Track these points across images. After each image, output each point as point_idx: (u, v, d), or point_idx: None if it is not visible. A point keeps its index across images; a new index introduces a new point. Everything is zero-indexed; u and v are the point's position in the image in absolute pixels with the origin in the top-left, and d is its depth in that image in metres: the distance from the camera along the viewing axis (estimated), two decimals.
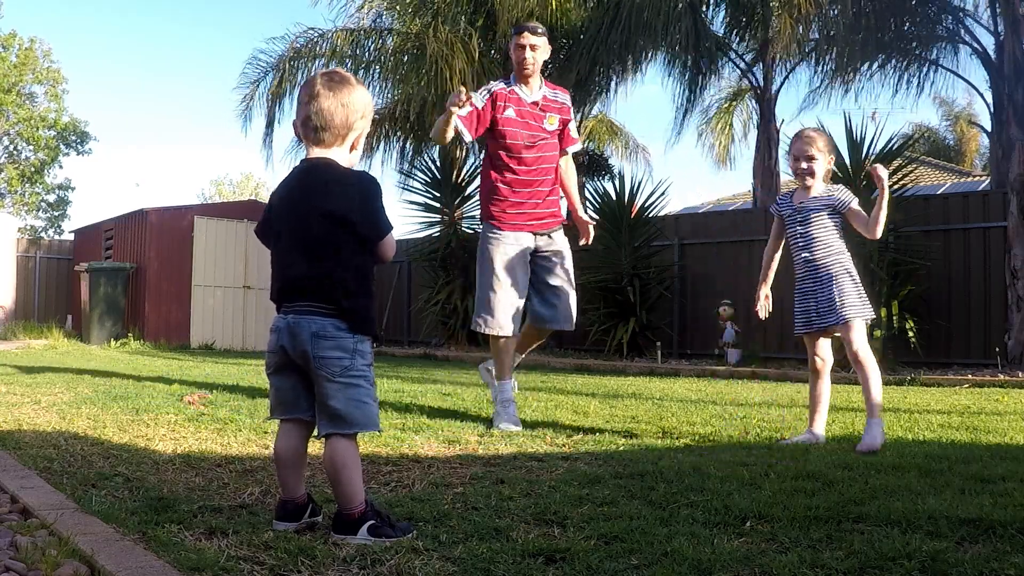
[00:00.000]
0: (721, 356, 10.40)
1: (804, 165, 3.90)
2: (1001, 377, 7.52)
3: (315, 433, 2.24)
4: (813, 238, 3.86)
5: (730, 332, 10.35)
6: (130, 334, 13.62)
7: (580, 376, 8.27)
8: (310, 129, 2.24)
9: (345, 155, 2.30)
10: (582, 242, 4.67)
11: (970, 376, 7.69)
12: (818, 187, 3.93)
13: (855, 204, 3.89)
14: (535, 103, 4.50)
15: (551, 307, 4.56)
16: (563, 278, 4.55)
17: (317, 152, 2.26)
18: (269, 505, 2.42)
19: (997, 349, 8.55)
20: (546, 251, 4.54)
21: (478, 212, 14.71)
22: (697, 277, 11.51)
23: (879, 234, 3.79)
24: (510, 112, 4.44)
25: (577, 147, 4.75)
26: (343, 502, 2.14)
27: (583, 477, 2.85)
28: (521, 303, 4.47)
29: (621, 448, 3.57)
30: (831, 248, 3.84)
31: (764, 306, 4.17)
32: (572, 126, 4.68)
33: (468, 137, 4.44)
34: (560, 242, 4.58)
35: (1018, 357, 8.41)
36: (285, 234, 2.25)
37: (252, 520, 2.25)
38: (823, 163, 3.91)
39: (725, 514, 2.32)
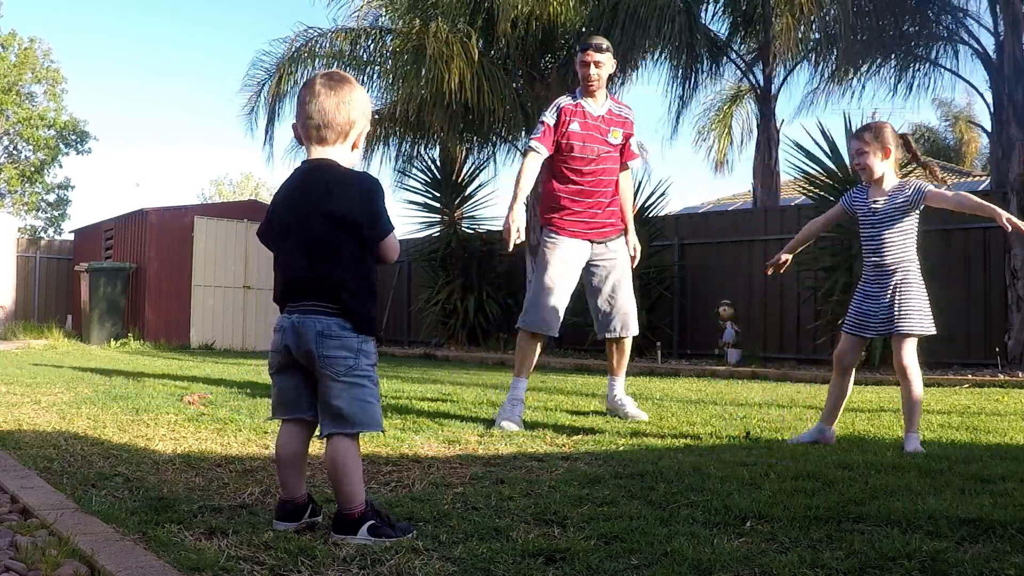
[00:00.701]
0: (721, 356, 10.40)
1: (857, 160, 3.77)
2: (1001, 377, 7.52)
3: (317, 433, 2.24)
4: (884, 241, 3.68)
5: (730, 332, 10.35)
6: (130, 334, 13.62)
7: (580, 376, 8.28)
8: (311, 128, 2.24)
9: (347, 154, 2.30)
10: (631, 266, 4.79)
11: (970, 376, 7.69)
12: (889, 181, 3.74)
13: (931, 188, 3.70)
14: (600, 117, 4.64)
15: (605, 315, 4.72)
16: (615, 285, 4.69)
17: (318, 152, 2.27)
18: (269, 505, 2.42)
19: (997, 349, 8.55)
20: (600, 260, 4.68)
21: (477, 212, 14.61)
22: (697, 277, 11.51)
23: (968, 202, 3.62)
24: (575, 126, 4.57)
25: (637, 162, 4.94)
26: (343, 502, 2.14)
27: (583, 477, 2.85)
28: (564, 306, 4.60)
29: (621, 448, 3.57)
30: (902, 255, 3.67)
31: (774, 264, 4.07)
32: (634, 141, 4.81)
33: (545, 153, 4.56)
34: (616, 250, 4.72)
35: (1018, 357, 8.41)
36: (287, 236, 2.25)
37: (252, 520, 2.25)
38: (876, 156, 3.71)
39: (725, 514, 2.32)
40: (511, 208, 4.40)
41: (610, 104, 4.70)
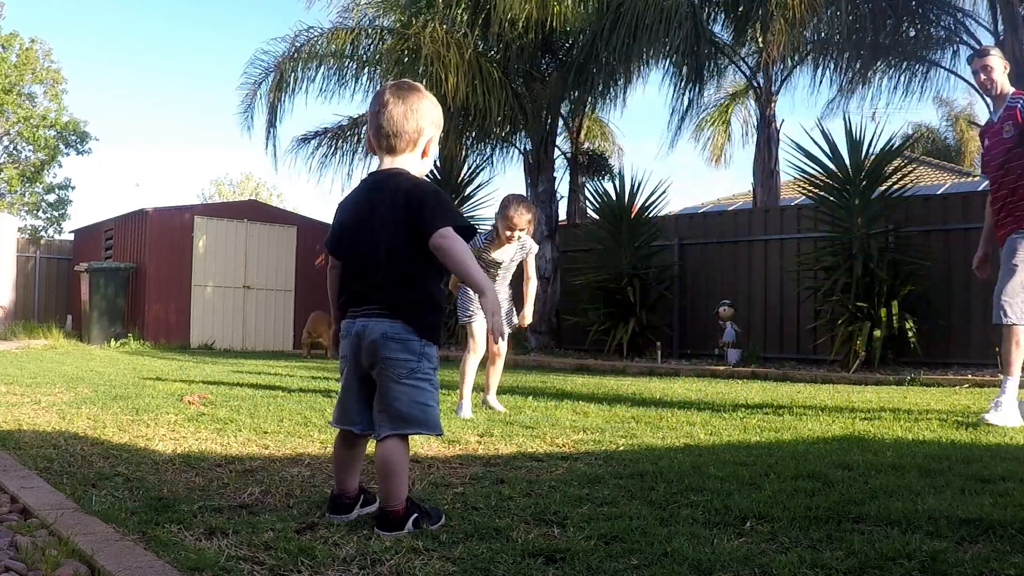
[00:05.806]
0: (721, 356, 10.40)
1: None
2: (1001, 377, 7.50)
3: (374, 435, 2.27)
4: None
5: (730, 332, 10.35)
6: (130, 334, 13.62)
7: (580, 376, 8.27)
8: (382, 137, 2.29)
9: (416, 162, 2.34)
10: None
11: (970, 376, 7.69)
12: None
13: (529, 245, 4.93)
14: (999, 117, 4.69)
15: None
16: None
17: (388, 161, 2.31)
18: (269, 505, 2.43)
19: (997, 349, 8.54)
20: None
21: (477, 212, 14.63)
22: (697, 277, 11.51)
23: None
24: (987, 142, 4.78)
25: None
26: (387, 499, 2.19)
27: (583, 477, 2.85)
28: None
29: (621, 448, 3.56)
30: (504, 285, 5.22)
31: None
32: None
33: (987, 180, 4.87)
34: (1007, 248, 4.78)
35: None
36: (357, 244, 2.28)
37: (252, 520, 2.25)
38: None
39: (725, 514, 2.32)
40: None
41: (1008, 100, 4.67)
